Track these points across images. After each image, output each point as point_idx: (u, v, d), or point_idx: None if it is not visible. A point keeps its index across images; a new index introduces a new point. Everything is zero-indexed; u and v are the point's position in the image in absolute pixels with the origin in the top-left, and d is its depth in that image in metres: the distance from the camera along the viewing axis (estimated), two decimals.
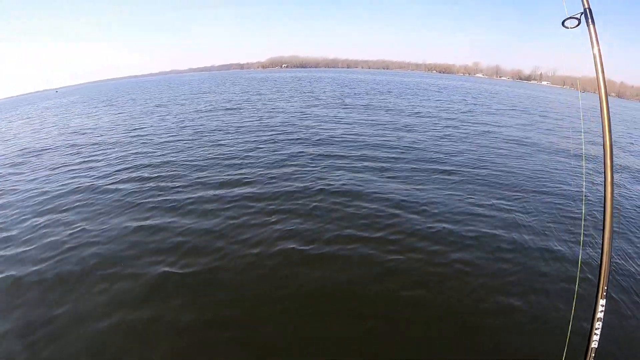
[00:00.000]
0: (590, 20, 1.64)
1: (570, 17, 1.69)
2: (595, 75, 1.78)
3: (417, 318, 3.43)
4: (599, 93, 1.70)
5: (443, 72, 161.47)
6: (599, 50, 1.68)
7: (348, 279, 4.01)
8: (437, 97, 26.11)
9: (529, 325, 3.35)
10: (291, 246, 4.60)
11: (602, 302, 1.77)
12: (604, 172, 1.71)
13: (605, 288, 1.74)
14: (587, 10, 1.64)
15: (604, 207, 1.71)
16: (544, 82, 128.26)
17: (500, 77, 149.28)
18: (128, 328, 3.28)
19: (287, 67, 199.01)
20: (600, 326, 1.78)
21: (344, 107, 17.91)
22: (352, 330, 3.26)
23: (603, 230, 1.73)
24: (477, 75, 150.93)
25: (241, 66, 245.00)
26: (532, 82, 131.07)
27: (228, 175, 7.42)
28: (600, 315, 1.77)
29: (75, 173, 8.22)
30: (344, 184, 6.74)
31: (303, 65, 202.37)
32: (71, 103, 33.68)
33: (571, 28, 1.70)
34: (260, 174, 7.41)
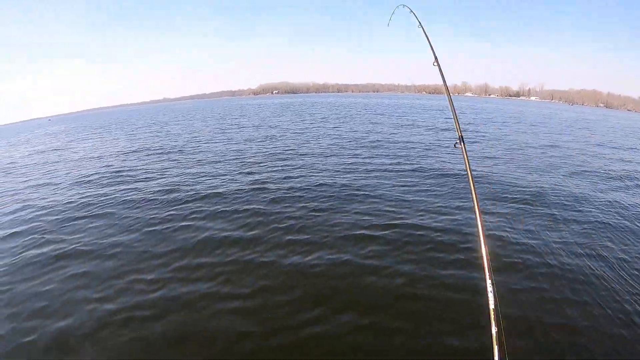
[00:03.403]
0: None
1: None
2: None
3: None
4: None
5: (432, 93, 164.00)
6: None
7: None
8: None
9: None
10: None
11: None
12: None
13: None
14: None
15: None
16: (533, 98, 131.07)
17: (489, 95, 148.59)
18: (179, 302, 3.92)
19: (277, 93, 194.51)
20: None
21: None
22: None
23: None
24: (467, 94, 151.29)
25: (232, 93, 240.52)
26: (521, 98, 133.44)
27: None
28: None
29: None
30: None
31: (294, 91, 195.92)
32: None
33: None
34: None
